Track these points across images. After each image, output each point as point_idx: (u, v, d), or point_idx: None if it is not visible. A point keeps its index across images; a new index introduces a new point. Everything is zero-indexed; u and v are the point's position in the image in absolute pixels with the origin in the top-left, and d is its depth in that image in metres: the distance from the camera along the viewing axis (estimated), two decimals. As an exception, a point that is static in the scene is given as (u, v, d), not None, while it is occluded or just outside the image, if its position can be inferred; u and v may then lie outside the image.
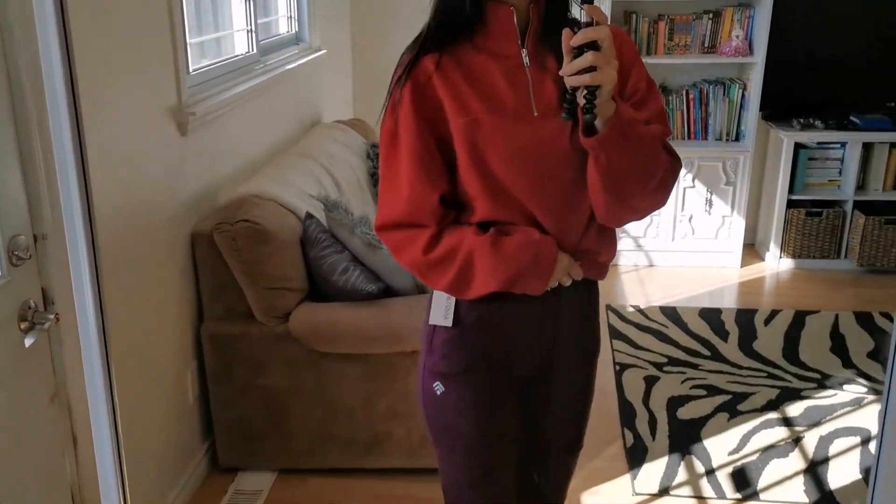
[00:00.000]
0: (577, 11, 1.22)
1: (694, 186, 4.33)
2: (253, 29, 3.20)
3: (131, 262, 2.21)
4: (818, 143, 4.27)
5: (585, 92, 1.15)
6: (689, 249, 4.43)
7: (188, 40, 2.52)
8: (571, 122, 1.30)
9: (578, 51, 1.15)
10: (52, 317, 1.61)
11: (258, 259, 2.44)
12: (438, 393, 1.44)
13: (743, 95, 4.29)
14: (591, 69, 1.13)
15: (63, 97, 1.12)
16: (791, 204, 4.32)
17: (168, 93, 2.38)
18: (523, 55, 1.34)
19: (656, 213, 4.33)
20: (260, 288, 2.47)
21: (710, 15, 4.26)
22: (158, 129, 2.33)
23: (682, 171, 4.28)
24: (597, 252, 1.45)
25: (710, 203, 4.35)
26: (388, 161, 1.37)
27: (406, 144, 1.33)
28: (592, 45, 1.14)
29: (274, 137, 3.37)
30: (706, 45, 4.32)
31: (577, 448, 1.62)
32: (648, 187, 1.31)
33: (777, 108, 4.39)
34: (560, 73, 1.18)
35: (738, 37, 4.18)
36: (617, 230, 3.94)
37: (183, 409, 2.57)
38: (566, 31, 1.15)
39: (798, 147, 4.25)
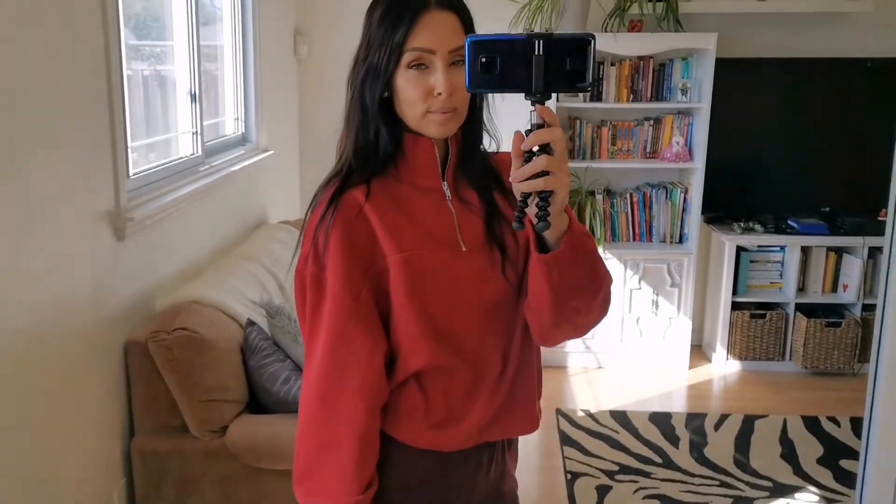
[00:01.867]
0: (524, 113, 1.15)
1: (640, 288, 4.36)
2: (198, 131, 3.17)
3: (56, 371, 2.09)
4: (759, 247, 4.36)
5: (537, 200, 1.07)
6: (636, 351, 4.42)
7: (129, 143, 2.46)
8: (501, 255, 1.26)
9: (529, 155, 1.07)
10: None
11: (195, 369, 2.33)
12: None
13: (685, 199, 4.38)
14: (543, 174, 1.06)
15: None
16: (735, 306, 4.36)
17: (105, 198, 2.30)
18: (444, 188, 1.29)
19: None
20: (195, 400, 2.34)
21: (651, 122, 4.39)
22: (92, 235, 2.25)
23: (630, 273, 4.32)
24: (534, 387, 1.37)
25: (656, 304, 4.37)
26: (316, 313, 1.24)
27: (332, 293, 1.22)
28: (544, 149, 1.06)
29: (217, 239, 3.29)
30: (648, 150, 4.43)
31: None
32: (595, 303, 1.25)
33: (718, 212, 4.49)
34: (510, 178, 1.10)
35: (678, 143, 4.30)
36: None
37: (108, 532, 2.39)
38: (517, 134, 1.09)
39: (740, 250, 4.33)
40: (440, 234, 1.26)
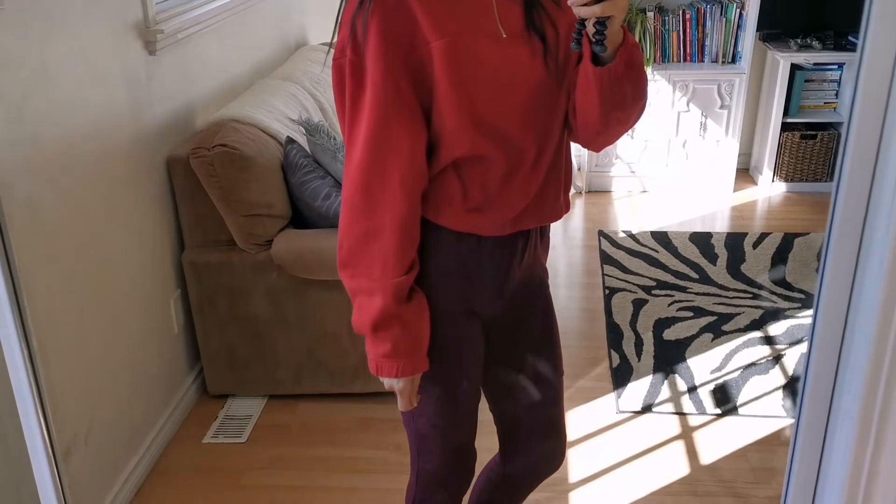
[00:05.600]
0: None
1: (688, 110, 4.26)
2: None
3: (103, 183, 2.18)
4: (815, 65, 4.18)
5: (595, 21, 1.11)
6: (682, 174, 4.39)
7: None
8: (542, 45, 1.25)
9: None
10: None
11: (237, 185, 2.41)
12: None
13: (740, 15, 4.17)
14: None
15: None
16: (786, 127, 4.25)
17: (132, 8, 2.29)
18: None
19: (650, 137, 4.28)
20: (239, 215, 2.44)
21: (707, -70, 4.12)
22: (124, 47, 2.25)
23: (678, 95, 4.21)
24: (563, 184, 1.40)
25: (704, 127, 4.28)
26: (357, 103, 1.23)
27: (373, 82, 1.21)
28: None
29: (255, 60, 3.29)
30: (702, -38, 4.19)
31: (559, 374, 1.60)
32: (636, 112, 1.29)
33: (774, 29, 4.28)
34: (569, 3, 1.12)
35: (735, -47, 4.05)
36: (611, 157, 3.83)
37: (169, 337, 2.57)
38: None
39: (795, 69, 4.16)
40: (481, 20, 1.24)
